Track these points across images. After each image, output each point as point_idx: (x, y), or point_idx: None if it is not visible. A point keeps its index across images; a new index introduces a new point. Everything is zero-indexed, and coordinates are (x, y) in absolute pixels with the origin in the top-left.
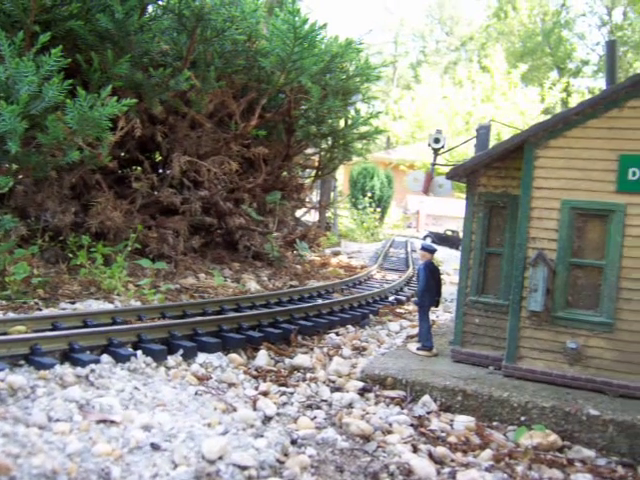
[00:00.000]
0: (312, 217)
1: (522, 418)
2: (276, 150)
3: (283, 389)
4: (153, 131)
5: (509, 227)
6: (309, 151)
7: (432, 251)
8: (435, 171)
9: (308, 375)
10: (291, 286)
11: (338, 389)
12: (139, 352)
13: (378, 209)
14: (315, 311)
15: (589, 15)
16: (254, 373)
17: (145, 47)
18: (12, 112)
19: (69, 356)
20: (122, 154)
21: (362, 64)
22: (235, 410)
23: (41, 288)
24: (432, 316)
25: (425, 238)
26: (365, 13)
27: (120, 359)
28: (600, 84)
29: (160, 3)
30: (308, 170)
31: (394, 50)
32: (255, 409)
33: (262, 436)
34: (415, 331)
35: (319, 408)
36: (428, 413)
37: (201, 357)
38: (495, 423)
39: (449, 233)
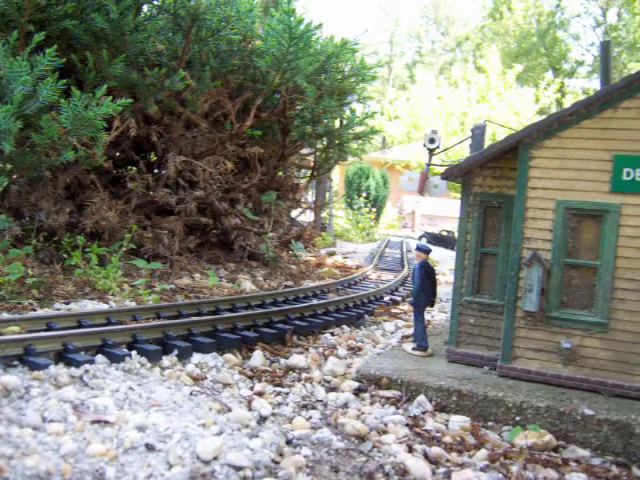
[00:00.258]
0: (307, 217)
1: (517, 418)
2: (271, 150)
3: (278, 389)
4: (148, 131)
5: (504, 227)
6: (304, 151)
7: (427, 251)
8: (430, 171)
9: (303, 375)
10: (286, 286)
11: (333, 389)
12: (134, 352)
13: (373, 209)
14: (310, 311)
15: (584, 16)
16: (249, 373)
17: (140, 47)
18: (6, 112)
19: (63, 356)
20: (117, 154)
21: (358, 64)
22: (230, 410)
23: (35, 288)
24: (427, 316)
25: (420, 238)
26: (361, 13)
27: (115, 359)
28: (595, 85)
29: (155, 3)
30: (303, 170)
31: (390, 50)
32: (250, 409)
33: (257, 436)
34: (410, 331)
35: (314, 408)
36: (423, 413)
37: (196, 357)
38: (490, 423)
39: (444, 233)
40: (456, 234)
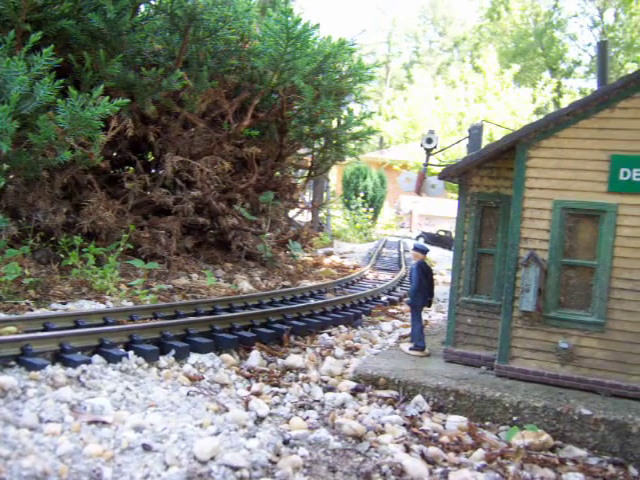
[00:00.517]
0: (305, 217)
1: (514, 418)
2: (269, 150)
3: (275, 389)
4: (145, 131)
5: (501, 227)
6: (302, 151)
7: (425, 251)
8: (428, 171)
9: (301, 375)
10: (284, 286)
11: (331, 389)
12: (131, 353)
13: (371, 209)
14: (308, 311)
15: (581, 16)
16: (246, 373)
17: (137, 47)
18: (3, 112)
19: (60, 357)
20: (114, 154)
21: (355, 64)
22: (227, 410)
23: (32, 288)
24: (425, 316)
25: (418, 238)
26: (358, 13)
27: (112, 360)
28: (592, 85)
29: (152, 3)
30: (301, 170)
31: (387, 50)
32: (247, 409)
33: (254, 436)
34: (408, 331)
35: (311, 408)
36: (420, 413)
37: (193, 357)
38: (487, 423)
39: (442, 233)
40: (453, 234)
